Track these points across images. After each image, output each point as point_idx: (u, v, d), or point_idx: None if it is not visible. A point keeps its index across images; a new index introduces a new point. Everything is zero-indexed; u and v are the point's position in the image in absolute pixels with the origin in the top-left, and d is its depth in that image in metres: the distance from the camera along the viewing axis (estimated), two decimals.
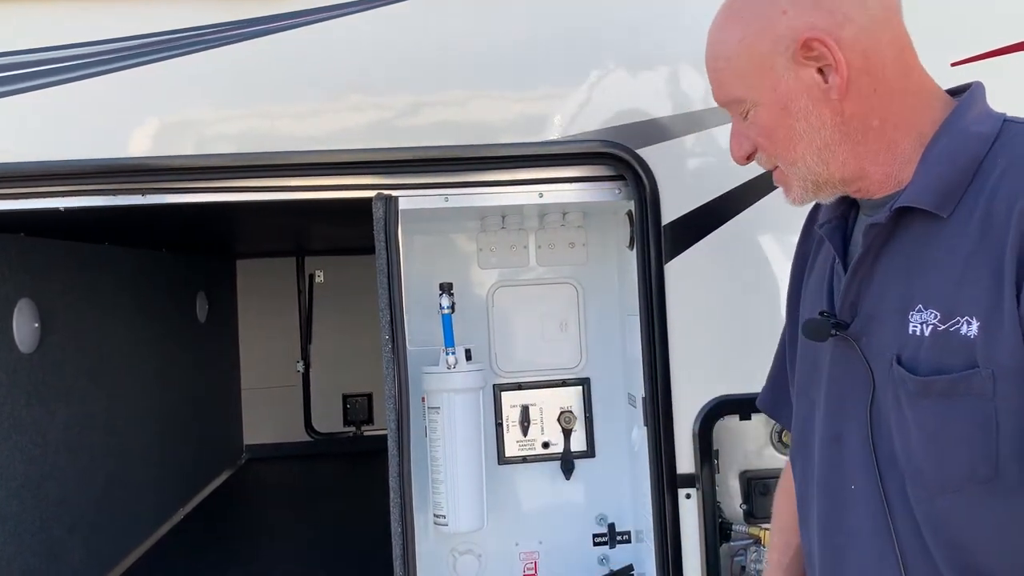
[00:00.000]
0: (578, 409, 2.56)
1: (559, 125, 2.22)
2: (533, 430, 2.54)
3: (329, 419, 6.61)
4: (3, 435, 3.10)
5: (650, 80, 2.25)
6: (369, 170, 2.19)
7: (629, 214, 2.33)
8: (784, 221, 2.11)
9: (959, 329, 1.10)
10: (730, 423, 2.26)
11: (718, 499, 2.28)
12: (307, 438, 6.60)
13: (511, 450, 2.54)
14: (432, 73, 2.20)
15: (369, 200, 2.14)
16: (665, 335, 2.20)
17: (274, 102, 2.17)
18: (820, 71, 1.18)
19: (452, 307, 2.39)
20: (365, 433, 6.59)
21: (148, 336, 4.65)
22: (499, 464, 2.53)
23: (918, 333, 1.14)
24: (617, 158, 2.19)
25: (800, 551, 1.44)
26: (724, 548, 2.26)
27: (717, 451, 2.28)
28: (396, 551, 2.12)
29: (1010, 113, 1.19)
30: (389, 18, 2.17)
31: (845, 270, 1.26)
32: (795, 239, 1.46)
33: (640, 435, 2.35)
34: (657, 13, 2.25)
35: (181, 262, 5.25)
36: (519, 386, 2.56)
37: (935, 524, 1.15)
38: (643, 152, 2.19)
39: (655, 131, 2.22)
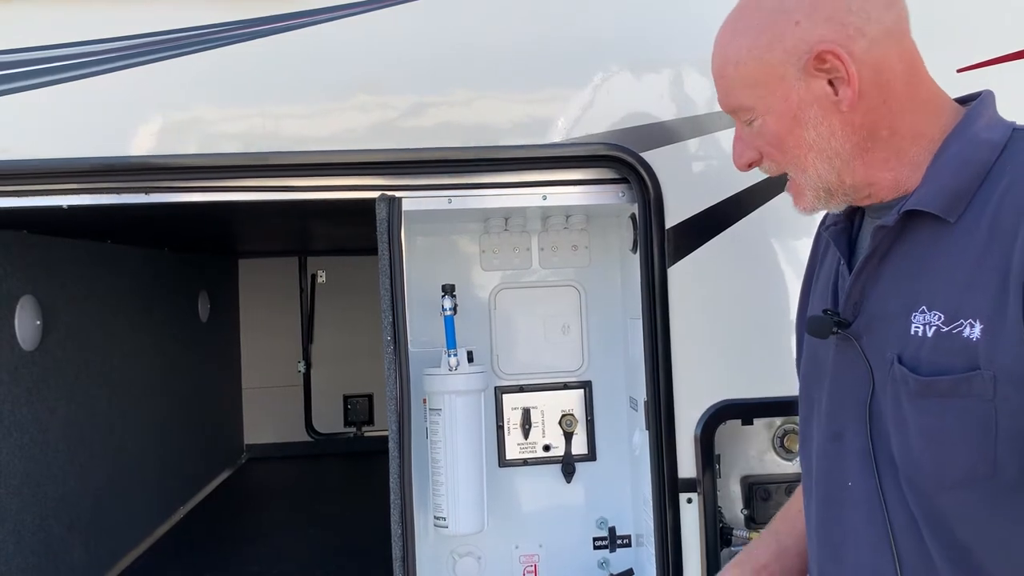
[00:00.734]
0: (579, 412, 2.55)
1: (563, 128, 2.22)
2: (534, 433, 2.54)
3: (330, 419, 6.61)
4: (3, 432, 3.10)
5: (655, 83, 2.25)
6: (373, 171, 2.19)
7: (632, 217, 2.33)
8: (787, 226, 2.11)
9: (962, 331, 1.11)
10: (732, 428, 2.26)
11: (719, 504, 2.27)
12: (308, 438, 6.59)
13: (512, 452, 2.54)
14: (437, 74, 2.20)
15: (372, 201, 2.14)
16: (667, 339, 2.20)
17: (279, 102, 2.17)
18: (831, 83, 1.19)
19: (454, 309, 2.39)
20: (366, 434, 6.59)
21: (149, 335, 4.65)
22: (500, 466, 2.53)
23: (920, 334, 1.15)
24: (621, 161, 2.19)
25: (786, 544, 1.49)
26: (725, 553, 2.26)
27: (719, 456, 2.28)
28: (396, 552, 2.12)
29: (1020, 122, 1.21)
30: (395, 19, 2.17)
31: (850, 271, 1.28)
32: (798, 244, 1.48)
33: (641, 439, 2.35)
34: (662, 17, 2.25)
35: (183, 261, 5.25)
36: (521, 388, 2.56)
37: (934, 522, 1.17)
38: (647, 155, 2.19)
39: (659, 134, 2.21)
